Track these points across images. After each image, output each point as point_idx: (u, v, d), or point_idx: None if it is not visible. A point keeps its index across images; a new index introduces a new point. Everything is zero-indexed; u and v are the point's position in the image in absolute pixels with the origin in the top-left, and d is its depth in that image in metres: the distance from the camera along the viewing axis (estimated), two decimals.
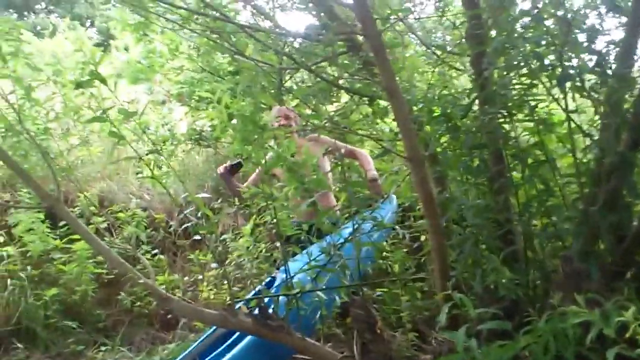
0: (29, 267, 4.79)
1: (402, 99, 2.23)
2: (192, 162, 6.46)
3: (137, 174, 6.02)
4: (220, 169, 4.11)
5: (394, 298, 3.14)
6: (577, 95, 2.11)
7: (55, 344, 4.52)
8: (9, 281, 4.64)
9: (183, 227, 4.78)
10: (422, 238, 3.65)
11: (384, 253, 3.20)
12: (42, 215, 4.83)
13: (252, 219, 4.28)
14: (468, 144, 2.29)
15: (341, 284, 2.70)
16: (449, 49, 2.94)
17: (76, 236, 4.82)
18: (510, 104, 2.26)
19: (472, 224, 2.28)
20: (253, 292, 3.13)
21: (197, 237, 3.08)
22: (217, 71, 5.27)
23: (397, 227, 2.90)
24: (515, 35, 2.13)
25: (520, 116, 2.28)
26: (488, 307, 2.05)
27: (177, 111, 6.65)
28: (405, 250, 3.34)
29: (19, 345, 4.44)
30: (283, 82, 4.31)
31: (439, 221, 2.30)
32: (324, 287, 2.70)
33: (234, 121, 2.80)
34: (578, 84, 2.03)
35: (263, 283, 3.48)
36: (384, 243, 3.25)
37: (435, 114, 2.41)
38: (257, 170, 4.27)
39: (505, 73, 2.26)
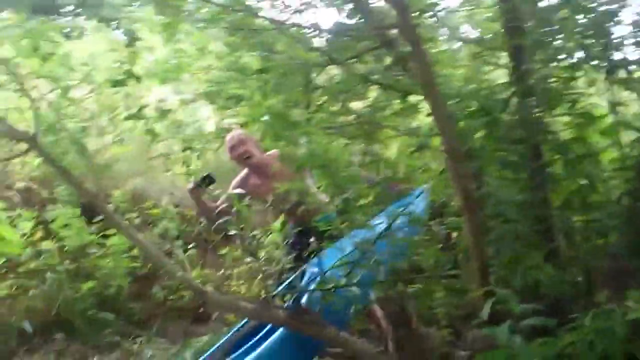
0: (66, 261, 4.79)
1: (439, 93, 2.14)
2: (219, 160, 6.42)
3: (168, 171, 5.99)
4: (190, 185, 3.66)
5: (428, 295, 3.05)
6: (620, 89, 2.00)
7: (92, 335, 4.52)
8: (47, 274, 4.64)
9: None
10: (454, 235, 3.55)
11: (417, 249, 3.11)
12: (78, 211, 4.82)
13: (282, 216, 4.21)
14: (507, 138, 2.18)
15: (375, 279, 2.63)
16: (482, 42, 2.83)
17: (111, 231, 4.82)
18: (550, 98, 2.15)
19: (512, 219, 2.18)
20: (285, 283, 3.07)
21: (230, 232, 3.03)
22: (244, 70, 5.19)
23: (431, 223, 2.82)
24: (556, 27, 2.01)
25: (560, 110, 2.18)
26: (529, 304, 1.96)
27: (205, 110, 6.60)
28: (439, 246, 3.24)
29: (59, 335, 4.46)
30: (312, 79, 4.22)
31: (477, 217, 2.20)
32: (358, 282, 2.63)
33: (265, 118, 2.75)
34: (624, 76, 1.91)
35: (294, 276, 3.43)
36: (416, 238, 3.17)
37: (471, 109, 2.31)
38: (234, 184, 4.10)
39: (544, 66, 2.15)
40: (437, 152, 2.49)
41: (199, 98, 6.32)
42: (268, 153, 3.99)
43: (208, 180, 3.51)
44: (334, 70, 4.14)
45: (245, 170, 4.03)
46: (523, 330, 1.94)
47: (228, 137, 4.04)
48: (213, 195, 3.55)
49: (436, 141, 2.44)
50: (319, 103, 4.48)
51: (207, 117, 6.50)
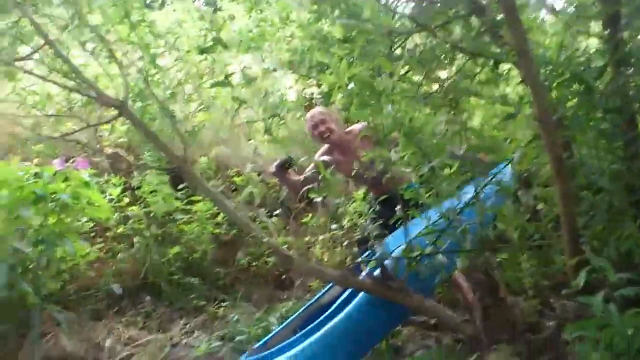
0: (153, 226, 5.01)
1: (532, 60, 2.17)
2: (300, 129, 6.54)
3: (250, 139, 6.17)
4: (272, 168, 3.88)
5: (515, 264, 3.07)
6: None
7: (178, 298, 4.77)
8: (135, 239, 4.91)
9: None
10: (540, 206, 3.53)
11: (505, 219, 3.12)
12: (166, 178, 5.05)
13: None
14: (601, 106, 2.20)
15: (461, 248, 2.68)
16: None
17: (196, 197, 5.04)
18: None
19: (604, 189, 2.21)
20: (370, 250, 3.18)
21: (315, 199, 3.15)
22: (327, 39, 5.25)
23: (519, 192, 2.84)
24: None
25: None
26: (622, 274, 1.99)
27: (287, 79, 6.72)
28: (527, 217, 3.25)
29: (146, 298, 4.72)
30: (394, 48, 4.23)
31: (569, 186, 2.23)
32: (444, 250, 2.69)
33: (350, 86, 2.81)
34: None
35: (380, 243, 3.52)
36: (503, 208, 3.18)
37: (565, 77, 2.32)
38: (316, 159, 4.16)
39: None
40: (524, 122, 2.51)
41: (282, 67, 6.46)
42: (348, 129, 4.09)
43: (289, 163, 3.73)
44: (418, 39, 4.16)
45: (326, 145, 4.14)
46: (615, 300, 1.99)
47: (308, 115, 4.14)
48: (298, 164, 3.71)
49: (525, 110, 2.46)
50: (403, 72, 4.52)
51: (289, 86, 6.64)
